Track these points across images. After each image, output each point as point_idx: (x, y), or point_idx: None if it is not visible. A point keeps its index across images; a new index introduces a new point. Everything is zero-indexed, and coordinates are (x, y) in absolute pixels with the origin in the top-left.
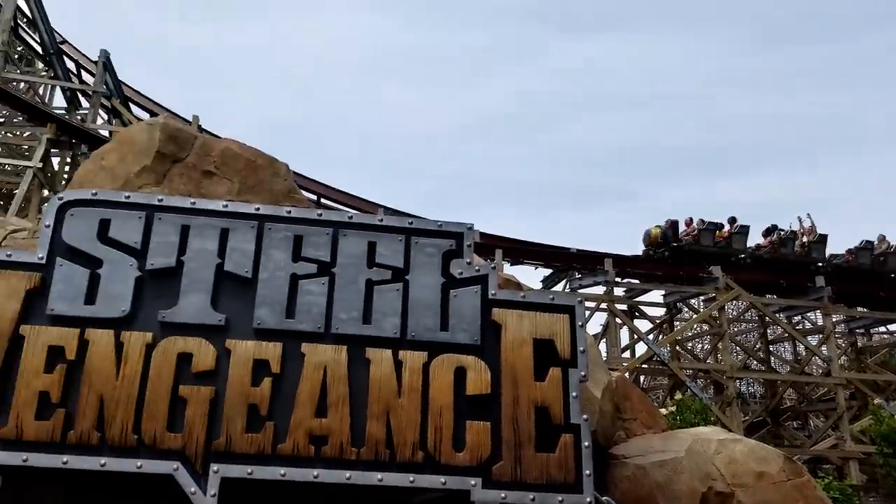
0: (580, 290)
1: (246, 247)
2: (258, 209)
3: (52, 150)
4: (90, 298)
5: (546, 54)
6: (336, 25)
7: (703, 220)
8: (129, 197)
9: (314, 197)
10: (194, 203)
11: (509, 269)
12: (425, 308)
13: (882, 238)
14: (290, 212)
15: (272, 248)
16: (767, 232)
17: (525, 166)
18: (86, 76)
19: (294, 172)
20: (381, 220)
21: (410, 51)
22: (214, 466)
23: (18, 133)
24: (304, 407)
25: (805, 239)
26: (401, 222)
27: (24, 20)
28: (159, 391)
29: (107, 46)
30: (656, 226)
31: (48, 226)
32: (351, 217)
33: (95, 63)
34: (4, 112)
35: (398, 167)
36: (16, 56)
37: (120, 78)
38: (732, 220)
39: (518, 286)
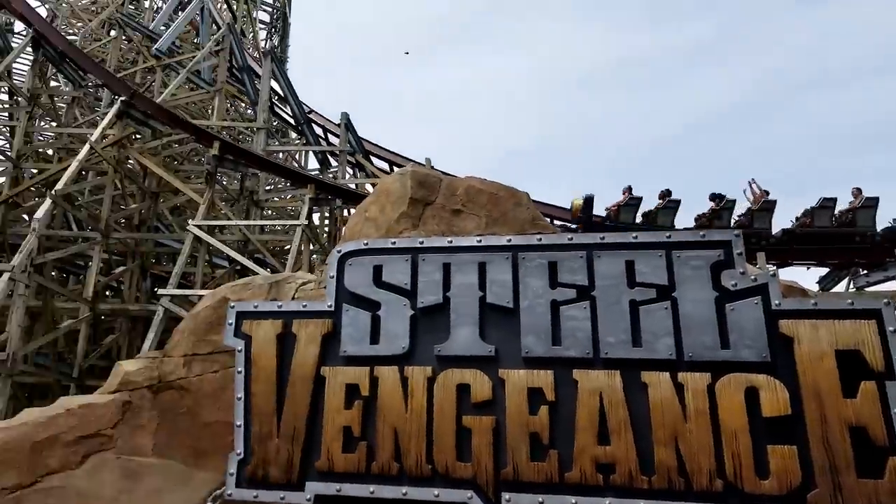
0: (868, 289)
1: (503, 278)
2: (510, 240)
3: (314, 208)
4: (374, 338)
5: (782, 30)
6: (553, 44)
7: (631, 194)
8: (394, 243)
9: (546, 220)
10: (451, 241)
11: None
12: (700, 325)
13: (857, 192)
14: (540, 239)
15: (528, 276)
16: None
17: (771, 155)
18: (332, 138)
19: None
20: (636, 237)
21: (634, 54)
22: (506, 495)
23: (284, 196)
24: (585, 434)
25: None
26: (658, 237)
27: (276, 98)
28: (445, 422)
29: (344, 109)
30: (583, 196)
31: (332, 276)
32: (603, 238)
33: (338, 125)
34: (272, 180)
35: (625, 177)
36: (274, 130)
37: (360, 135)
38: (666, 193)
39: (803, 292)
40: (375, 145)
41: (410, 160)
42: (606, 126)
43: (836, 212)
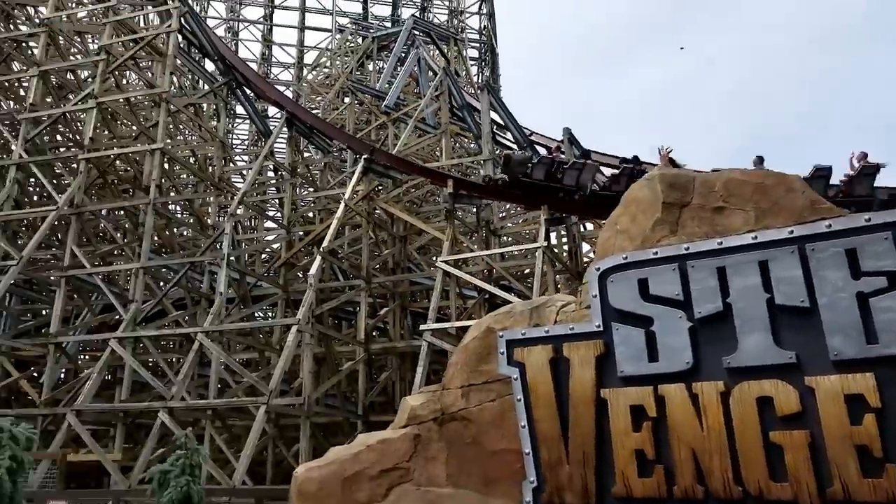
0: None
1: (792, 274)
2: (792, 231)
3: (550, 228)
4: (652, 356)
5: None
6: (767, 14)
7: (558, 150)
8: (657, 253)
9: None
10: (721, 243)
11: None
12: None
13: (758, 161)
14: (830, 225)
15: (823, 269)
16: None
17: None
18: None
19: None
20: None
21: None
22: None
23: (518, 221)
24: None
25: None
26: None
27: (496, 127)
28: (749, 439)
29: (556, 121)
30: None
31: (595, 296)
32: None
33: (561, 142)
34: (505, 207)
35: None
36: (498, 158)
37: (584, 146)
38: (585, 155)
39: None
40: (602, 154)
41: (638, 161)
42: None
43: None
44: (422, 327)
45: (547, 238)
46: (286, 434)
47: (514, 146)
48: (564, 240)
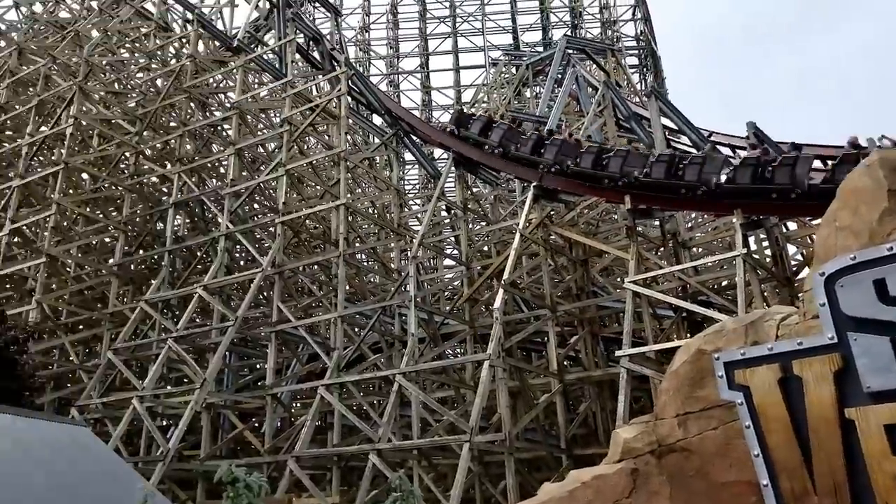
0: None
1: None
2: None
3: (746, 233)
4: None
5: None
6: None
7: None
8: (892, 248)
9: None
10: None
11: None
12: None
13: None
14: None
15: None
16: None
17: None
18: (742, 154)
19: None
20: None
21: None
22: None
23: (708, 230)
24: None
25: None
26: None
27: (668, 132)
28: None
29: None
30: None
31: (823, 304)
32: None
33: (745, 138)
34: (691, 216)
35: None
36: None
37: (774, 139)
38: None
39: None
40: (799, 145)
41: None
42: None
43: None
44: (617, 353)
45: (745, 244)
46: (490, 471)
47: (693, 150)
48: (765, 244)
